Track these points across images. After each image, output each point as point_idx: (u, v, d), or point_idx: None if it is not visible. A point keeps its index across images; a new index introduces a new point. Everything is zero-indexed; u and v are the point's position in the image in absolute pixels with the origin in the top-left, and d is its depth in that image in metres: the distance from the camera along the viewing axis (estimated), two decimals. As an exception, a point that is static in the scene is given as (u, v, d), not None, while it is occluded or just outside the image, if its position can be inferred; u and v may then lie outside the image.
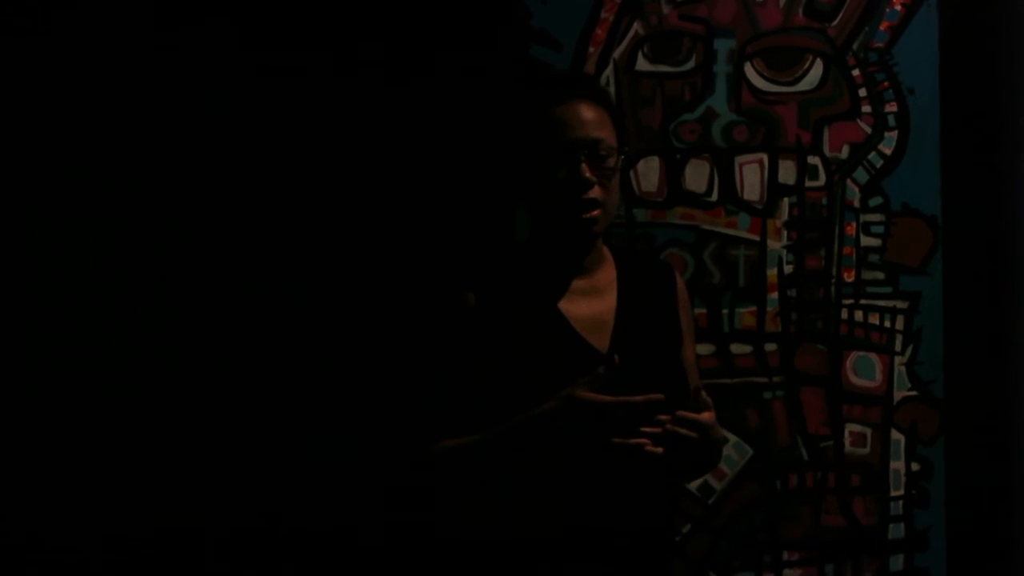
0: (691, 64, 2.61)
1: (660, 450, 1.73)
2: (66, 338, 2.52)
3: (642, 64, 2.60)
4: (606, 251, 1.97)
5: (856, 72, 2.65)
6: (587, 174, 1.82)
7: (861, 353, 2.65)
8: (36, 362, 2.52)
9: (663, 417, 1.74)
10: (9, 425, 2.51)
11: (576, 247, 1.91)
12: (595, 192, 1.83)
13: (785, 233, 2.63)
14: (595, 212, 1.84)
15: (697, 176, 2.61)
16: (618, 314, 1.91)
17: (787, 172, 2.63)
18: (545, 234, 1.91)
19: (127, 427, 2.52)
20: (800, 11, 2.63)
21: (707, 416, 1.78)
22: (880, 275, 2.66)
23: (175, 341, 2.54)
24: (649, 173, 2.60)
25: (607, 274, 1.95)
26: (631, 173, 2.58)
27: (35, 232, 2.53)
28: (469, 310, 1.86)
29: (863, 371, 2.65)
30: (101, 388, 2.52)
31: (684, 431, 1.75)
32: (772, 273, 2.63)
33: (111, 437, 2.52)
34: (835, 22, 2.65)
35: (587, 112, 1.85)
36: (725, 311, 2.60)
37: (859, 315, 2.65)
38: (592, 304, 1.91)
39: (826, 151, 2.64)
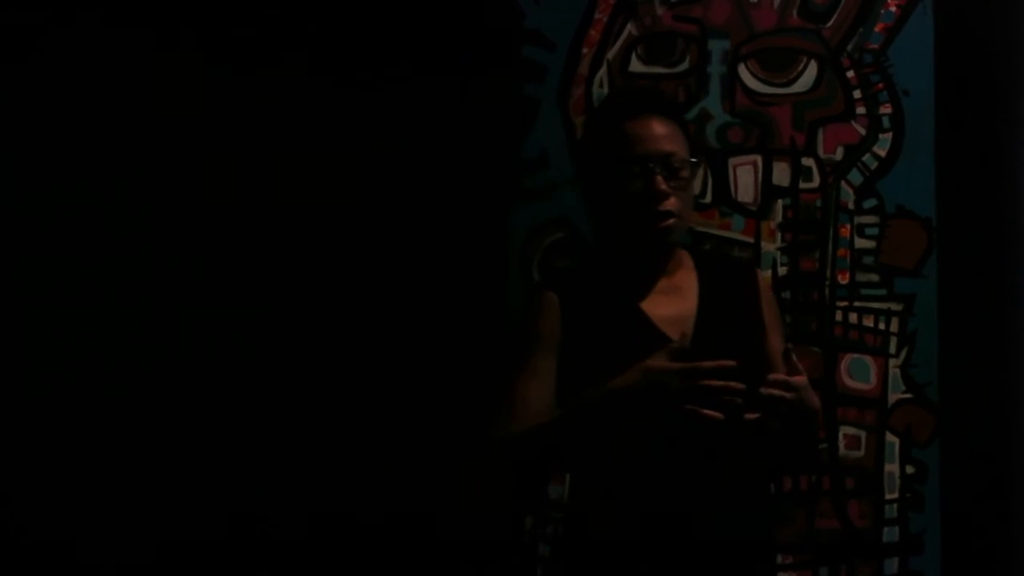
0: (685, 65, 2.60)
1: (745, 413, 1.73)
2: (72, 339, 2.53)
3: (636, 65, 2.59)
4: (685, 255, 2.02)
5: (851, 74, 2.64)
6: (662, 186, 1.89)
7: (856, 355, 2.64)
8: (35, 363, 2.53)
9: (736, 386, 1.73)
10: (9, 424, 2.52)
11: (653, 254, 1.96)
12: (670, 203, 1.90)
13: (779, 235, 2.63)
14: (670, 222, 1.91)
15: (691, 178, 2.60)
16: (699, 312, 1.94)
17: (781, 174, 2.63)
18: (621, 244, 1.96)
19: (155, 428, 2.54)
20: (795, 12, 2.63)
21: (799, 379, 1.80)
22: (875, 277, 2.65)
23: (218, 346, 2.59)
24: (643, 174, 2.59)
25: (687, 275, 2.00)
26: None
27: (35, 231, 2.54)
28: (553, 310, 1.92)
29: (858, 374, 2.64)
30: (127, 386, 2.55)
31: (779, 392, 1.76)
32: (766, 275, 2.62)
33: (130, 438, 2.54)
34: (830, 23, 2.64)
35: (658, 127, 1.92)
36: (719, 313, 2.60)
37: (854, 317, 2.64)
38: (673, 303, 1.95)
39: (820, 153, 2.63)
